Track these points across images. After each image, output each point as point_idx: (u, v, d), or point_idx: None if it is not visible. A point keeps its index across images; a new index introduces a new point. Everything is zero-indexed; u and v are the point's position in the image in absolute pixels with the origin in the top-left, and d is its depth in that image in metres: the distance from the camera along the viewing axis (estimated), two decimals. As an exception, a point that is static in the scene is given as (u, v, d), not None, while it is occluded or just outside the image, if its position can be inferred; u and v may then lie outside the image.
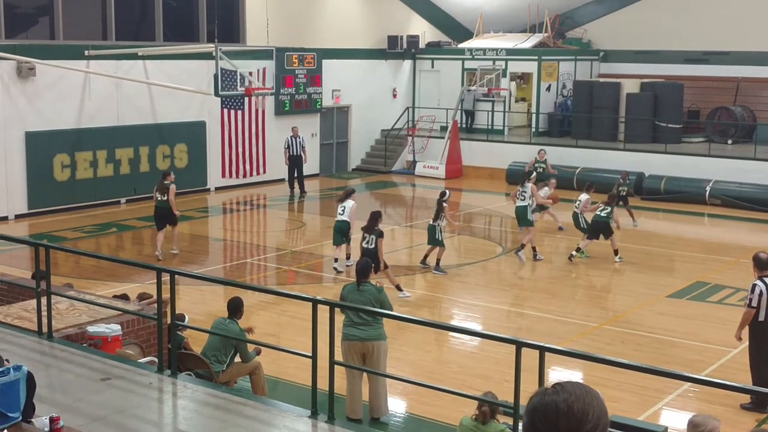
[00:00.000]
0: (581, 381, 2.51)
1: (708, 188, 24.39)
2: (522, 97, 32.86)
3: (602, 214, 17.77)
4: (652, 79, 29.87)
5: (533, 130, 30.82)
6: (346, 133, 30.69)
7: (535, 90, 31.21)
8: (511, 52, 31.13)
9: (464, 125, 31.30)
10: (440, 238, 16.81)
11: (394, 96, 32.11)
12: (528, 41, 32.08)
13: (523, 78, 32.63)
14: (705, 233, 22.48)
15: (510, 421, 7.03)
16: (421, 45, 32.25)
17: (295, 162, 25.92)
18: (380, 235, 14.57)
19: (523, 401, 6.34)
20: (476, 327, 13.82)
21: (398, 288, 14.91)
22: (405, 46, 31.34)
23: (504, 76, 30.77)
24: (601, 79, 31.40)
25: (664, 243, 20.15)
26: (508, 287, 16.46)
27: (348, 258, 17.12)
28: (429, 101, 31.97)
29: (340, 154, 30.61)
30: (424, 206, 25.03)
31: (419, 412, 10.29)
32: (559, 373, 11.05)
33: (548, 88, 31.33)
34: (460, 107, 30.75)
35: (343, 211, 16.91)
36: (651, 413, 10.24)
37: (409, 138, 30.89)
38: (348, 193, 17.28)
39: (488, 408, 7.46)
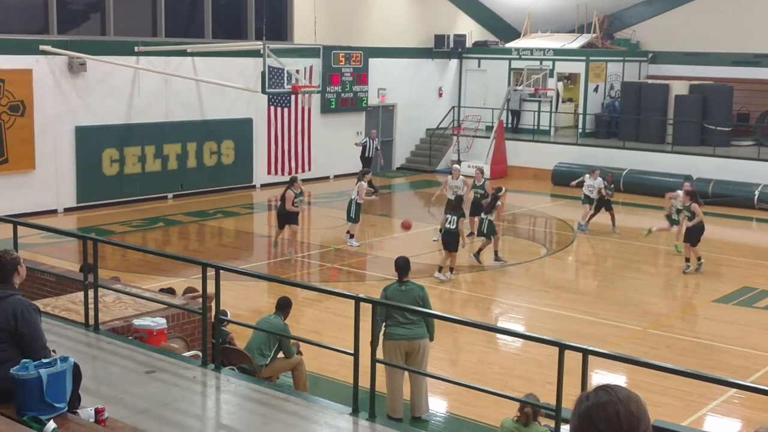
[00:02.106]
0: (625, 385, 2.51)
1: (757, 192, 24.04)
2: (569, 98, 32.65)
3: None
4: (701, 81, 29.51)
5: (580, 131, 30.60)
6: (392, 131, 30.72)
7: (582, 91, 30.99)
8: (558, 52, 30.94)
9: (510, 125, 31.16)
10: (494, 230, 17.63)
11: (440, 95, 32.08)
12: (576, 42, 31.86)
13: (570, 78, 32.42)
14: (753, 238, 22.16)
15: (552, 423, 6.99)
16: (468, 44, 32.16)
17: (366, 164, 25.94)
18: (462, 215, 16.24)
19: (566, 404, 6.31)
20: (519, 328, 13.76)
21: (439, 269, 16.25)
22: (452, 45, 31.29)
23: (551, 76, 30.57)
24: (650, 81, 31.09)
25: (711, 247, 19.87)
26: (551, 289, 16.36)
27: (351, 237, 19.01)
28: (475, 101, 31.88)
29: (385, 152, 30.59)
30: (468, 206, 24.95)
31: (460, 412, 10.28)
32: (602, 376, 10.97)
33: (596, 89, 31.08)
34: (506, 107, 30.62)
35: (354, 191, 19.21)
36: (695, 419, 10.13)
37: (454, 137, 30.83)
38: (363, 173, 19.76)
39: (531, 409, 7.43)
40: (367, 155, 26.07)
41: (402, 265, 9.99)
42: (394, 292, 9.84)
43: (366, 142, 26.19)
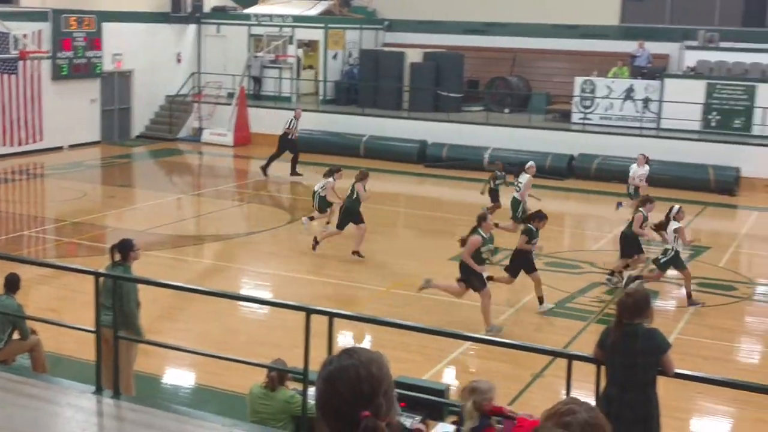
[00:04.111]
0: (369, 345, 2.60)
1: (486, 155, 25.42)
2: (309, 65, 32.94)
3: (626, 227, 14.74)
4: (435, 49, 30.69)
5: (321, 98, 30.99)
6: (129, 98, 29.68)
7: (322, 58, 31.35)
8: (297, 19, 31.08)
9: (252, 92, 31.01)
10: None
11: (179, 61, 31.34)
12: (314, 9, 32.13)
13: (310, 45, 32.70)
14: (484, 198, 23.45)
15: (300, 386, 7.12)
16: (206, 9, 31.61)
17: (291, 147, 23.83)
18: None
19: (313, 367, 6.44)
20: (266, 295, 13.84)
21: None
22: (189, 9, 30.61)
23: (291, 43, 30.69)
24: (386, 49, 31.95)
25: (446, 208, 20.88)
26: (298, 254, 16.54)
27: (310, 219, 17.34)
28: (215, 67, 31.40)
29: (122, 120, 29.56)
30: (211, 174, 24.72)
31: (209, 382, 10.22)
32: (348, 337, 11.27)
33: (335, 57, 31.55)
34: (247, 74, 30.44)
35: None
36: (435, 372, 10.65)
37: (195, 104, 30.30)
38: (331, 171, 17.10)
39: (276, 374, 7.51)
40: (291, 137, 23.72)
41: (117, 247, 9.06)
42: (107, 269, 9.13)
43: (292, 123, 23.78)
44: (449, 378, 10.61)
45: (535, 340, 11.14)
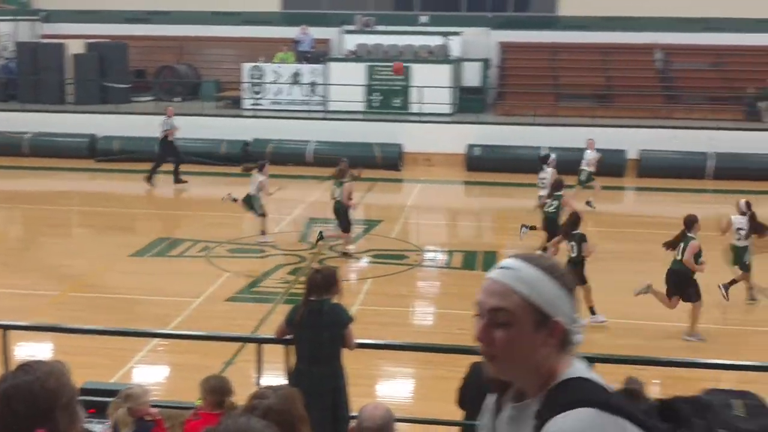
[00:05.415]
0: (52, 354, 2.57)
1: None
2: (-42, 60, 30.60)
3: (549, 210, 14.82)
4: (97, 39, 29.64)
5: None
6: None
7: (-28, 52, 29.22)
8: (-60, 11, 28.72)
9: None
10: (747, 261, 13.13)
11: None
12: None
13: (-43, 39, 30.38)
14: (164, 191, 23.10)
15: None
16: None
17: (172, 150, 21.46)
18: (583, 239, 12.06)
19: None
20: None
21: (591, 311, 11.93)
22: None
23: (-65, 37, 28.32)
24: (45, 40, 30.42)
25: (122, 203, 20.35)
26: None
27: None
28: None
29: None
30: None
31: None
32: (28, 348, 10.70)
33: (-12, 50, 29.58)
34: None
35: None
36: (124, 372, 10.42)
37: None
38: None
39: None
40: (170, 138, 21.40)
41: None
42: None
43: (167, 124, 21.37)
44: (141, 376, 10.43)
45: (224, 328, 11.24)
